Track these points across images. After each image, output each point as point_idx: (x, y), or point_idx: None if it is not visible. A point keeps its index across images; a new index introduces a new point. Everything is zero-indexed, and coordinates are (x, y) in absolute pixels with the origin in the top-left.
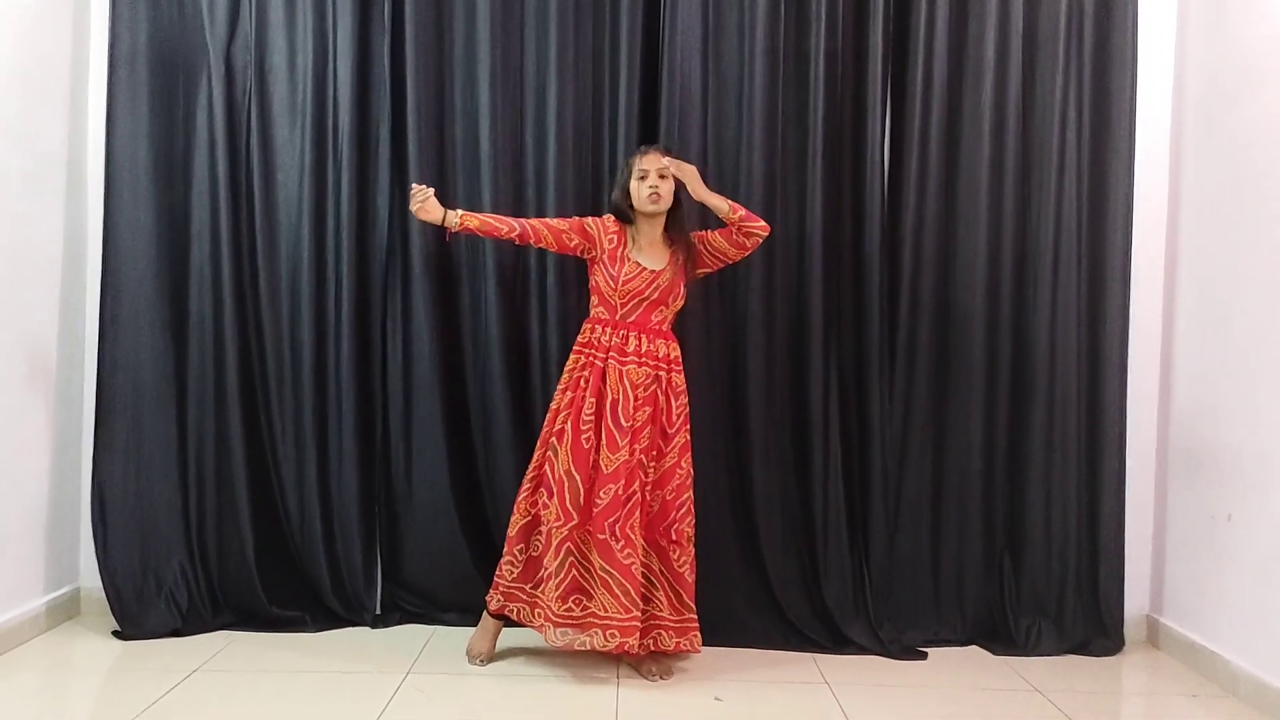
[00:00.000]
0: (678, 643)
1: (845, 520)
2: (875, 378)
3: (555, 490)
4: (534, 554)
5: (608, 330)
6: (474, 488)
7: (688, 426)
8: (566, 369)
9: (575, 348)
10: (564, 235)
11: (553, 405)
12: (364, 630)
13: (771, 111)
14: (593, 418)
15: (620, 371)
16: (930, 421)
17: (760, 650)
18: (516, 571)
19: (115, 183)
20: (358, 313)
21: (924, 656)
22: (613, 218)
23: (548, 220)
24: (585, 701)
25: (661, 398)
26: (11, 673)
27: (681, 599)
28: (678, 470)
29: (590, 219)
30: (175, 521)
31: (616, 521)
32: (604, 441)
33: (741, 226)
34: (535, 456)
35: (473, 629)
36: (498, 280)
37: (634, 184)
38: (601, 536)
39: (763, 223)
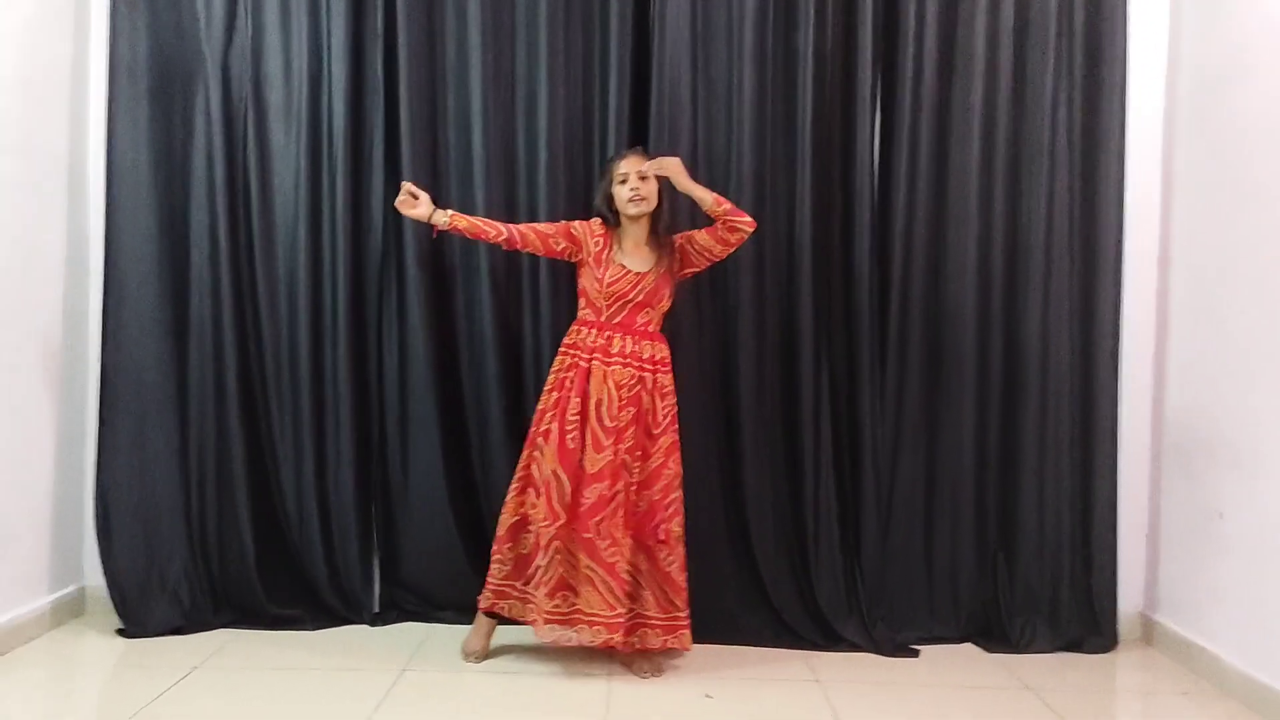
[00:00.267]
0: (665, 640)
1: (837, 518)
2: (866, 376)
3: (543, 490)
4: (523, 552)
5: (593, 331)
6: (469, 487)
7: (675, 427)
8: (553, 370)
9: (561, 349)
10: (550, 240)
11: (539, 406)
12: (362, 628)
13: (760, 111)
14: (578, 418)
15: (605, 372)
16: (922, 419)
17: (753, 648)
18: (506, 570)
19: (116, 188)
20: (353, 314)
21: (916, 654)
22: (599, 221)
23: (535, 226)
24: (577, 698)
25: (646, 398)
26: (17, 669)
27: (669, 598)
28: (664, 470)
29: (577, 223)
30: (177, 521)
31: (602, 520)
32: (589, 442)
33: (726, 221)
34: (522, 457)
35: (469, 626)
36: (491, 282)
37: (616, 188)
38: (587, 535)
39: (748, 217)
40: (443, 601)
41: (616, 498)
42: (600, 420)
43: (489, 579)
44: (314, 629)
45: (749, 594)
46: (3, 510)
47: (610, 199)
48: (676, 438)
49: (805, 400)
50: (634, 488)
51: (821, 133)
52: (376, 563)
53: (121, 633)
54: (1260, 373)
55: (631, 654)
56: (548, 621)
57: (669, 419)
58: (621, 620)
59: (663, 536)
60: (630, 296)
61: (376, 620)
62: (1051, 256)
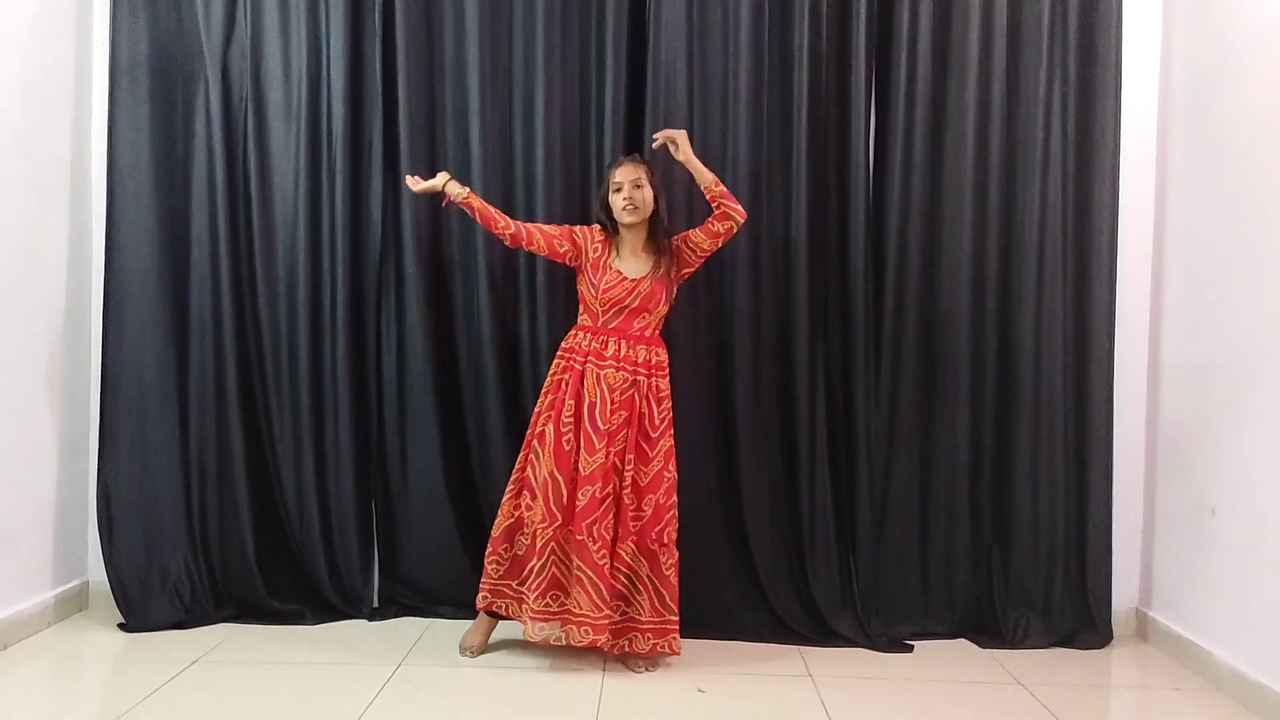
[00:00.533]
0: (654, 644)
1: (832, 515)
2: (861, 374)
3: (540, 492)
4: (518, 553)
5: (589, 336)
6: (468, 484)
7: (671, 431)
8: (550, 374)
9: (559, 353)
10: (555, 241)
11: (536, 409)
12: (361, 623)
13: (756, 110)
14: (572, 420)
15: (598, 375)
16: (916, 417)
17: (748, 644)
18: (502, 569)
19: (117, 187)
20: (353, 312)
21: (910, 649)
22: (599, 227)
23: (541, 226)
24: (570, 693)
25: (640, 402)
26: (21, 663)
27: (664, 601)
28: (665, 474)
29: (579, 228)
30: (179, 517)
31: (594, 522)
32: (582, 444)
33: (721, 205)
34: (519, 459)
35: (467, 622)
36: (489, 281)
37: (611, 196)
38: (580, 537)
39: (740, 206)
40: (441, 597)
41: (607, 500)
42: (594, 423)
43: (485, 578)
44: (313, 624)
45: (746, 591)
46: (7, 507)
47: (608, 207)
48: (673, 442)
49: (801, 398)
50: (629, 490)
51: (817, 131)
52: (375, 559)
53: (123, 627)
54: (1253, 371)
55: (620, 653)
56: (534, 619)
57: (665, 423)
58: (607, 622)
59: (665, 540)
60: (626, 302)
61: (375, 615)
62: (1045, 255)
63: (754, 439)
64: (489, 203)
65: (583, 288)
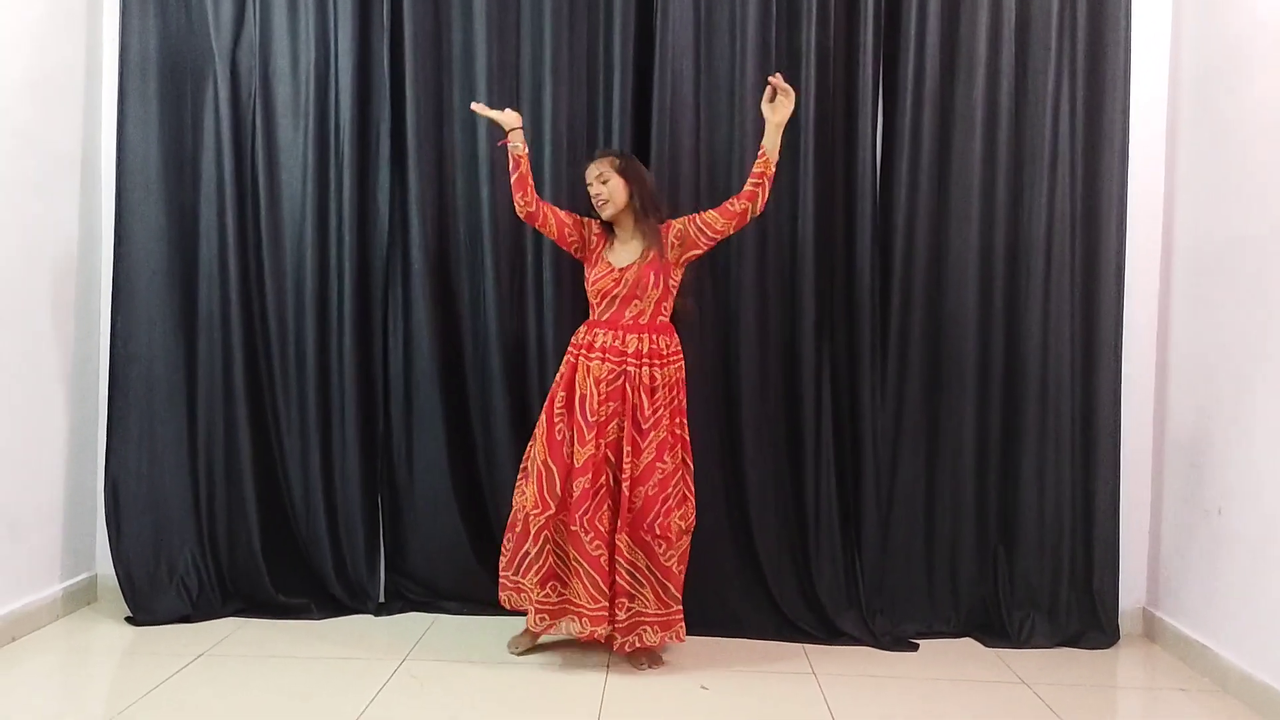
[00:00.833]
0: (662, 636)
1: (838, 513)
2: (867, 371)
3: (534, 478)
4: (510, 543)
5: (586, 329)
6: (473, 480)
7: (673, 421)
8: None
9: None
10: (566, 229)
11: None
12: (367, 618)
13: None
14: (564, 411)
15: (586, 367)
16: (922, 414)
17: (753, 641)
18: (504, 560)
19: (127, 184)
20: (359, 308)
21: (915, 648)
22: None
23: (557, 211)
24: (574, 690)
25: (630, 393)
26: (29, 655)
27: (669, 592)
28: (657, 466)
29: (588, 220)
30: (186, 511)
31: (586, 514)
32: (574, 436)
33: (761, 184)
34: (526, 451)
35: (473, 617)
36: (496, 277)
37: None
38: (574, 528)
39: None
40: (447, 592)
41: (600, 492)
42: (583, 414)
43: (500, 574)
44: (319, 618)
45: (750, 588)
46: (16, 500)
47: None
48: (676, 434)
49: (806, 396)
50: (627, 482)
51: (824, 129)
52: (381, 554)
53: (131, 620)
54: (1261, 370)
55: (623, 648)
56: (538, 611)
57: (660, 415)
58: (605, 614)
59: (660, 532)
60: (614, 292)
61: (381, 610)
62: (1053, 253)
63: (759, 436)
64: (496, 201)
65: (585, 280)
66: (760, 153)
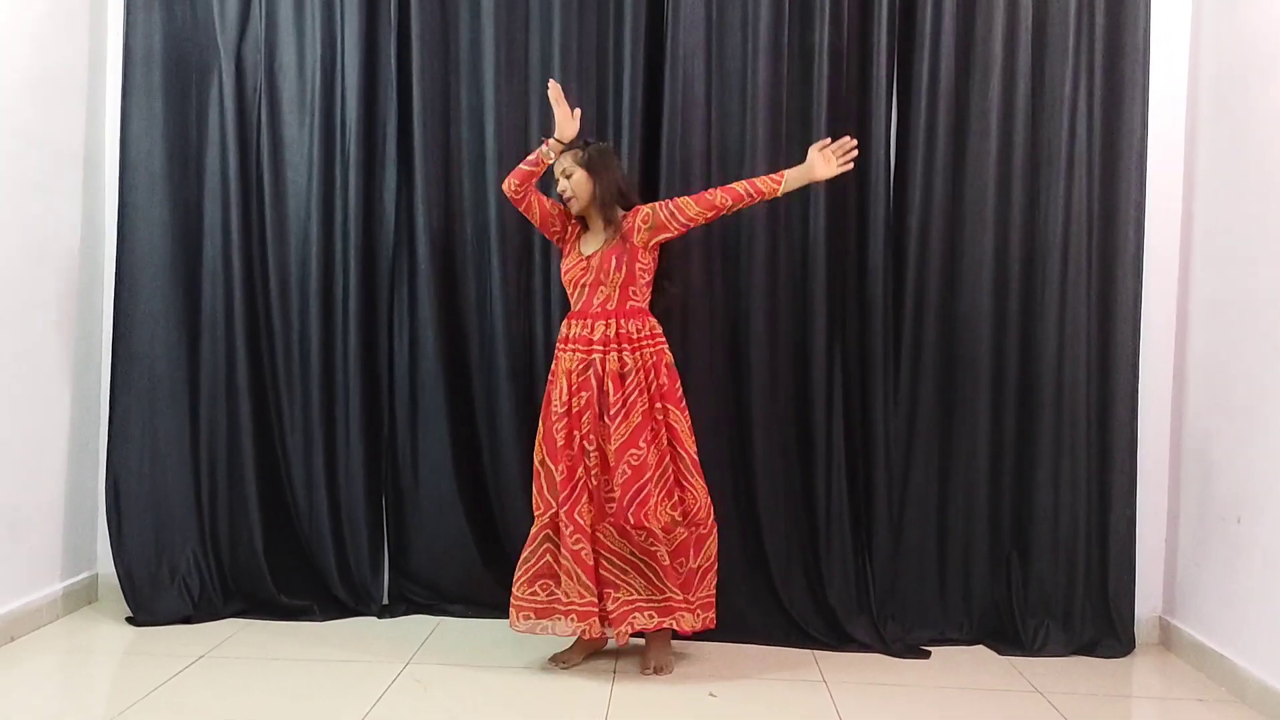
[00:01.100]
0: (659, 621)
1: (849, 517)
2: (879, 374)
3: (535, 479)
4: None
5: (565, 321)
6: (479, 481)
7: (653, 407)
8: None
9: None
10: (550, 217)
11: None
12: (370, 620)
13: (775, 107)
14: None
15: (559, 359)
16: (935, 418)
17: (762, 647)
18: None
19: (130, 180)
20: (364, 306)
21: (927, 655)
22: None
23: (543, 199)
24: (579, 696)
25: (595, 381)
26: (28, 655)
27: (660, 578)
28: (630, 452)
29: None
30: (188, 510)
31: (565, 507)
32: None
33: (756, 202)
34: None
35: (478, 620)
36: (503, 275)
37: None
38: (559, 523)
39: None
40: (451, 594)
41: (577, 484)
42: (556, 408)
43: None
44: (322, 620)
45: (759, 592)
46: (17, 498)
47: None
48: (657, 419)
49: (818, 399)
50: (595, 471)
51: (837, 129)
52: (385, 555)
53: (131, 621)
54: None
55: (647, 650)
56: (518, 608)
57: (633, 400)
58: (593, 608)
59: (635, 521)
60: (583, 280)
61: (385, 612)
62: (1069, 255)
63: (769, 439)
64: (503, 198)
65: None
66: (779, 177)
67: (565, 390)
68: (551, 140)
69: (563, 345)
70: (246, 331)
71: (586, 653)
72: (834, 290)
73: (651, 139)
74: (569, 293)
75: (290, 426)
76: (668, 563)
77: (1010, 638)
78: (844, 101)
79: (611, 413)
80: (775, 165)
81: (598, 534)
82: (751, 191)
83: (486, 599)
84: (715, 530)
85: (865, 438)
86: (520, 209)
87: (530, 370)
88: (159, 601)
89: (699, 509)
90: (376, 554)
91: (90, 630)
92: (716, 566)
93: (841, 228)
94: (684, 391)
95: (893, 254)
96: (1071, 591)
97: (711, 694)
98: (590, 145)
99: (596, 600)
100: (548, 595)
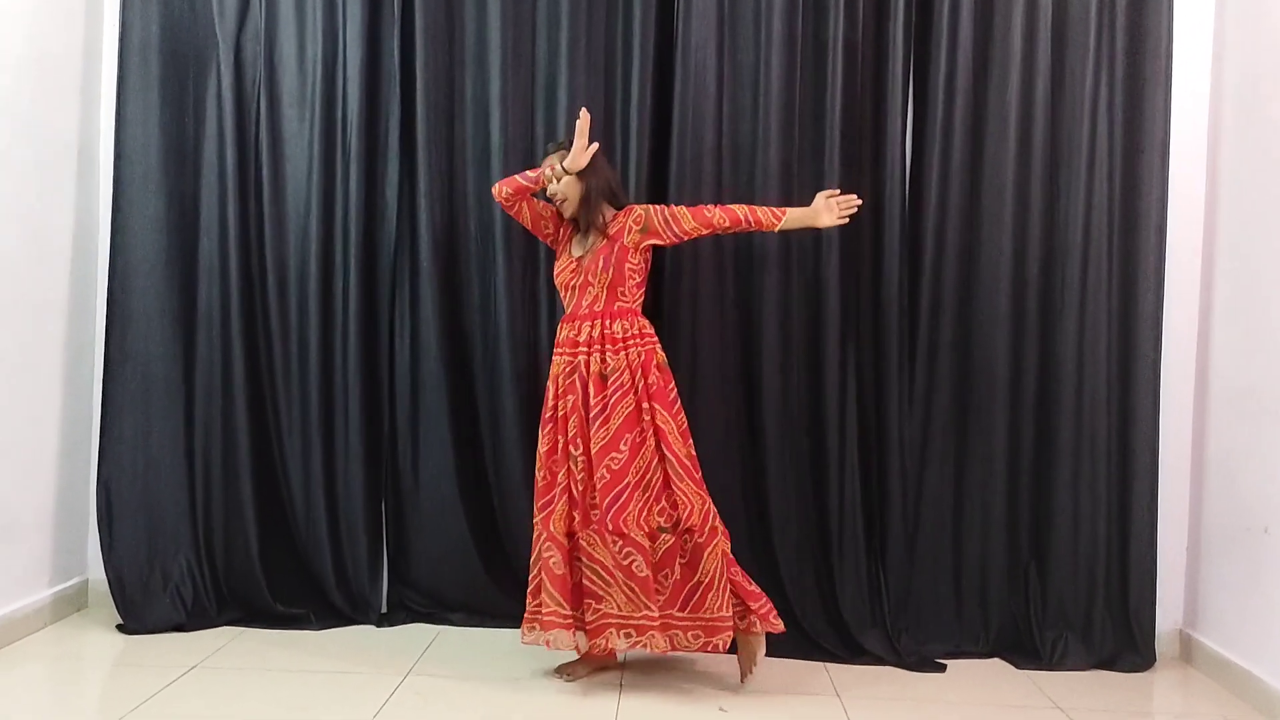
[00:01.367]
0: (636, 642)
1: (862, 526)
2: (894, 379)
3: (535, 486)
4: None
5: (560, 325)
6: (482, 485)
7: (639, 408)
8: None
9: None
10: (543, 220)
11: None
12: (369, 629)
13: (788, 103)
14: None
15: (552, 363)
16: (951, 424)
17: (772, 659)
18: None
19: (125, 173)
20: (365, 306)
21: (942, 669)
22: None
23: (535, 202)
24: (584, 710)
25: (579, 385)
26: (15, 664)
27: (635, 594)
28: (611, 455)
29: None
30: (182, 515)
31: (542, 516)
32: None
33: (754, 229)
34: None
35: (479, 630)
36: (507, 274)
37: None
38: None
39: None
40: (452, 603)
41: (557, 491)
42: (543, 413)
43: None
44: (319, 629)
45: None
46: (5, 502)
47: None
48: (645, 420)
49: (830, 402)
50: (580, 474)
51: (851, 125)
52: (384, 561)
53: (122, 628)
54: None
55: (739, 655)
56: (526, 622)
57: (616, 401)
58: (559, 620)
59: (612, 527)
60: (573, 282)
61: (384, 621)
62: (1089, 258)
63: (781, 445)
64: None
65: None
66: (780, 213)
67: (552, 394)
68: (558, 166)
69: (556, 349)
70: (243, 330)
71: (594, 666)
72: (847, 290)
73: (661, 134)
74: (561, 295)
75: (288, 428)
76: (645, 574)
77: (1028, 651)
78: (858, 97)
79: (592, 415)
80: (787, 162)
81: (581, 541)
82: (750, 219)
83: (489, 607)
84: (717, 540)
85: (879, 443)
86: (510, 214)
87: (535, 371)
88: (151, 609)
89: (689, 515)
90: (375, 560)
91: (79, 638)
92: (731, 583)
93: (855, 228)
94: (690, 394)
95: (908, 254)
96: (1091, 603)
97: (721, 709)
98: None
99: (568, 611)
100: (535, 604)
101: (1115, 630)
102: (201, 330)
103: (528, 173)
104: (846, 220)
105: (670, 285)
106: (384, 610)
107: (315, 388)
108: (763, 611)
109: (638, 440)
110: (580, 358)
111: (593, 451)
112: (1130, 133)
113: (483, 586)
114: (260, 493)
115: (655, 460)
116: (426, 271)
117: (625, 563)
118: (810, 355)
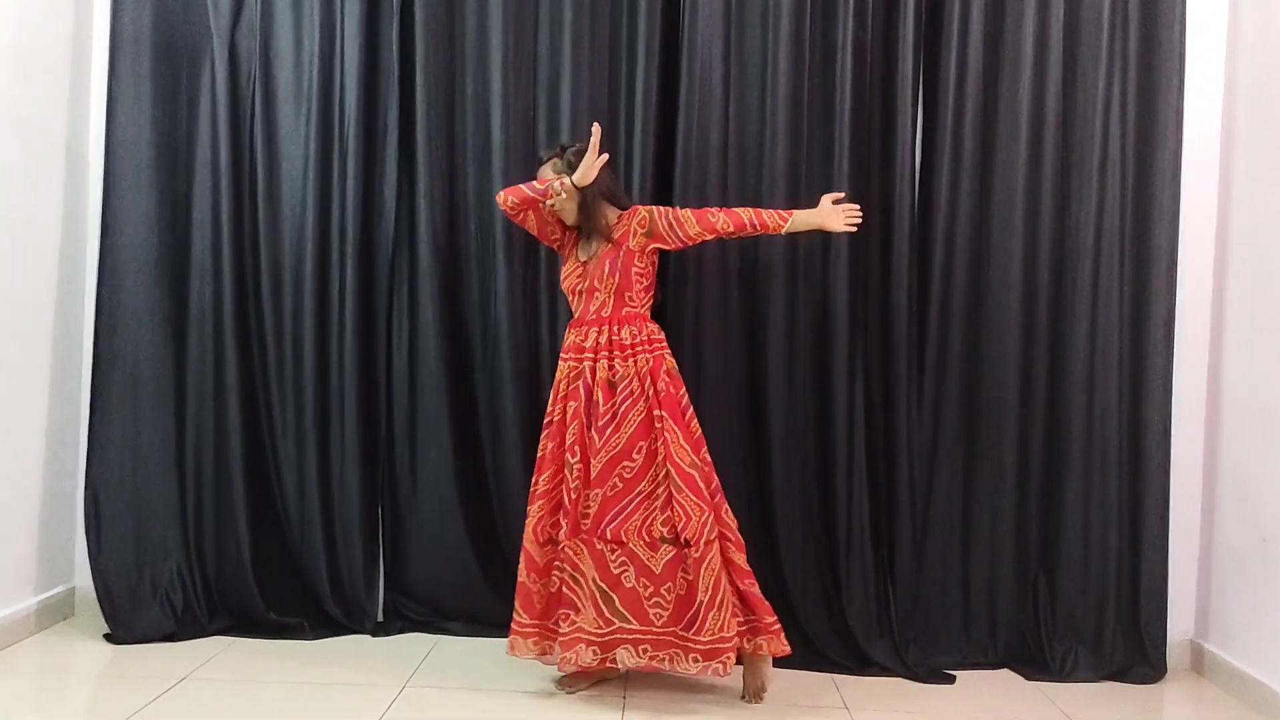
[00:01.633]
0: (602, 658)
1: (869, 535)
2: (903, 386)
3: None
4: None
5: (567, 330)
6: (481, 491)
7: (650, 415)
8: None
9: None
10: (547, 225)
11: None
12: (364, 638)
13: (796, 104)
14: None
15: (558, 368)
16: (960, 432)
17: (778, 669)
18: None
19: (116, 169)
20: (362, 307)
21: (951, 680)
22: None
23: (540, 209)
24: None
25: (584, 390)
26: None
27: (614, 606)
28: (619, 467)
29: None
30: (172, 521)
31: (536, 524)
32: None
33: (758, 233)
34: None
35: (478, 639)
36: (508, 275)
37: None
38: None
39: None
40: (451, 611)
41: (547, 499)
42: (547, 418)
43: None
44: (313, 638)
45: (776, 613)
46: None
47: None
48: (656, 429)
49: (838, 409)
50: (578, 484)
51: (860, 126)
52: (380, 569)
53: (109, 638)
54: None
55: (745, 673)
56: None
57: (626, 410)
58: (522, 628)
59: (610, 537)
60: (579, 287)
61: (379, 630)
62: (1101, 264)
63: (787, 452)
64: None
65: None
66: (786, 215)
67: (552, 400)
68: (566, 182)
69: (562, 354)
70: (236, 331)
71: (595, 679)
72: (856, 295)
73: (666, 133)
74: (569, 300)
75: (282, 432)
76: (631, 585)
77: (1037, 662)
78: (867, 98)
79: (600, 424)
80: (794, 164)
81: (567, 550)
82: (756, 223)
83: (488, 616)
84: (713, 553)
85: (887, 451)
86: (514, 220)
87: (536, 374)
88: (139, 617)
89: (684, 526)
90: (371, 568)
91: (66, 648)
92: (742, 595)
93: (864, 231)
94: (695, 400)
95: (917, 258)
96: (1102, 614)
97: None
98: (568, 150)
99: (526, 620)
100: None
101: (1126, 641)
102: (193, 330)
103: (534, 184)
104: (854, 229)
105: (674, 289)
106: (380, 619)
107: (310, 389)
108: (775, 629)
109: (651, 449)
110: (585, 364)
111: (602, 460)
112: (1142, 136)
113: (482, 594)
114: (253, 497)
115: (666, 470)
116: (425, 271)
117: (616, 573)
118: (817, 361)
